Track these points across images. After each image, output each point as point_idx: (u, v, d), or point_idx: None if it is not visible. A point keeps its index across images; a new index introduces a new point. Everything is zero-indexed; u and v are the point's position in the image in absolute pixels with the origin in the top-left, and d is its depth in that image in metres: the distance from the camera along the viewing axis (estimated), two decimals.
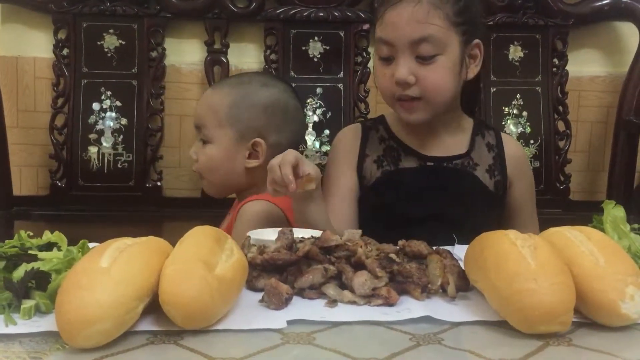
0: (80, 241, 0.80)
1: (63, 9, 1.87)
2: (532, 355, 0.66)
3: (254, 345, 0.67)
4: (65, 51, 1.89)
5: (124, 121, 1.90)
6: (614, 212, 0.87)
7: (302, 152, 1.90)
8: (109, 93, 1.90)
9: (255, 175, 1.36)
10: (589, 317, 0.74)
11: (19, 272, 0.73)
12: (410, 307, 0.78)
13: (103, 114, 1.90)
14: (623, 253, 0.78)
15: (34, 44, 1.93)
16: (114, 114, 1.90)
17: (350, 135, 1.35)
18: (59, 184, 1.88)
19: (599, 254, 0.75)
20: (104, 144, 1.89)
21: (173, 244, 0.77)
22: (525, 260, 0.72)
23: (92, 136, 1.89)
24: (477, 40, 1.24)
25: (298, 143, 1.49)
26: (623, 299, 0.71)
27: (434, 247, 0.89)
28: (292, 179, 1.04)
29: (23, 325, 0.69)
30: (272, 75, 1.61)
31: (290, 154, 1.08)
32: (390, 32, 1.18)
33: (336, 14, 1.92)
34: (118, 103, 1.90)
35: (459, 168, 1.28)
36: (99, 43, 1.90)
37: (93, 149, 1.89)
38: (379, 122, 1.36)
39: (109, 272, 0.66)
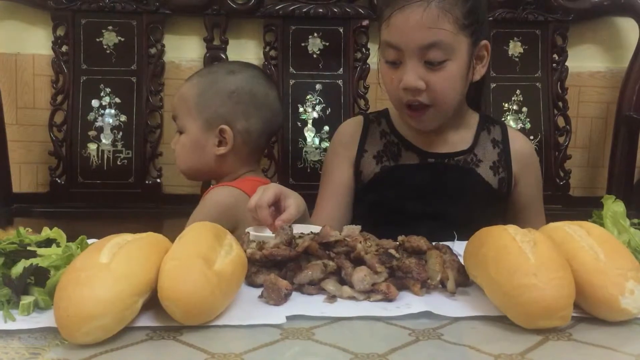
0: (79, 237, 0.80)
1: (62, 6, 1.87)
2: (532, 350, 0.66)
3: (253, 340, 0.67)
4: (64, 48, 1.88)
5: (123, 118, 1.90)
6: (614, 207, 0.87)
7: (300, 148, 1.90)
8: (108, 90, 1.90)
9: (228, 162, 1.38)
10: (589, 311, 0.74)
11: (18, 268, 0.73)
12: (409, 303, 0.78)
13: (102, 111, 1.89)
14: (623, 248, 0.78)
15: (33, 41, 1.92)
16: (113, 111, 1.90)
17: (350, 129, 1.34)
18: (59, 181, 1.88)
19: (599, 249, 0.75)
20: (104, 140, 1.89)
21: (172, 241, 0.77)
22: (525, 255, 0.72)
23: (92, 133, 1.88)
24: (484, 41, 1.21)
25: (272, 130, 1.46)
26: (623, 294, 0.71)
27: (434, 243, 0.89)
28: (270, 221, 1.03)
29: (22, 321, 0.69)
30: (243, 63, 1.58)
31: (269, 192, 1.05)
32: (397, 36, 1.15)
33: (335, 10, 1.91)
34: (117, 100, 1.90)
35: (460, 165, 1.26)
36: (97, 40, 1.89)
37: (92, 146, 1.88)
38: (382, 115, 1.34)
39: (108, 268, 0.66)
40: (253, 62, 1.94)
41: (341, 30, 1.94)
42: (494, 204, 1.28)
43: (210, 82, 1.38)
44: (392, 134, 1.29)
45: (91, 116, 1.89)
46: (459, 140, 1.28)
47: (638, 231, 0.87)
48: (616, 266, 0.73)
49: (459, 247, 0.91)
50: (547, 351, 0.66)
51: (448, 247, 0.89)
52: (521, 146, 1.32)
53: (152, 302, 0.71)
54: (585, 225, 0.80)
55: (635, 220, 0.89)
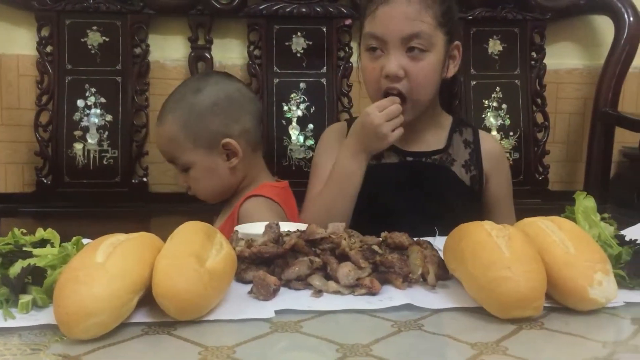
0: (74, 237, 0.82)
1: (46, 6, 1.87)
2: (507, 339, 0.70)
3: (244, 334, 0.70)
4: (48, 48, 1.89)
5: (109, 118, 1.91)
6: (585, 203, 0.91)
7: (285, 146, 1.93)
8: (93, 90, 1.90)
9: (241, 167, 1.39)
10: (560, 302, 0.78)
11: (15, 269, 0.75)
12: (392, 296, 0.81)
13: (88, 111, 1.90)
14: (592, 241, 0.82)
15: (17, 42, 1.92)
16: (98, 111, 1.91)
17: (337, 130, 1.40)
18: (45, 181, 1.88)
19: (570, 243, 0.78)
20: (89, 140, 1.90)
21: (160, 239, 0.80)
22: (500, 249, 0.76)
23: (77, 133, 1.89)
24: (457, 42, 1.30)
25: (259, 115, 1.47)
26: (591, 285, 0.75)
27: (415, 239, 0.93)
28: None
29: (21, 319, 0.71)
30: (198, 76, 1.62)
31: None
32: (382, 27, 1.22)
33: (318, 9, 1.94)
34: (103, 100, 1.91)
35: (437, 163, 1.33)
36: (82, 40, 1.89)
37: (78, 146, 1.89)
38: None
39: (104, 267, 0.69)
40: (237, 62, 1.98)
41: (324, 29, 1.96)
42: (468, 200, 1.35)
43: (187, 110, 1.36)
44: None
45: (77, 116, 1.90)
46: (434, 140, 1.35)
47: (608, 225, 0.91)
48: (585, 259, 0.77)
49: (439, 242, 0.94)
50: (521, 339, 0.70)
51: (429, 242, 0.92)
52: (491, 147, 1.40)
53: (147, 299, 0.73)
54: (557, 220, 0.84)
55: (605, 215, 0.93)
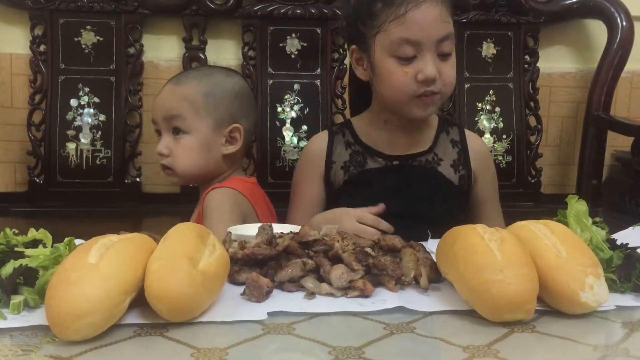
0: (67, 238, 0.82)
1: (39, 5, 1.86)
2: (499, 342, 0.70)
3: (236, 335, 0.70)
4: (42, 47, 1.88)
5: (102, 117, 1.90)
6: (577, 207, 0.92)
7: (278, 147, 1.93)
8: (86, 89, 1.90)
9: (228, 161, 1.40)
10: (551, 305, 0.78)
11: (7, 269, 0.75)
12: (384, 298, 0.81)
13: (81, 110, 1.90)
14: (584, 245, 0.82)
15: (11, 40, 1.91)
16: (92, 110, 1.90)
17: (317, 145, 1.40)
18: (37, 181, 1.88)
19: (561, 246, 0.79)
20: (82, 140, 1.89)
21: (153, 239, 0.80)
22: (492, 252, 0.76)
23: (70, 132, 1.88)
24: None
25: (255, 128, 1.55)
26: (583, 289, 0.76)
27: (408, 241, 0.93)
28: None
29: (13, 320, 0.71)
30: (222, 67, 1.69)
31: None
32: (417, 31, 1.22)
33: (313, 11, 1.94)
34: (96, 99, 1.90)
35: (423, 164, 1.33)
36: (76, 39, 1.89)
37: (71, 145, 1.88)
38: (345, 126, 1.41)
39: (97, 268, 0.69)
40: (232, 62, 1.97)
41: (319, 30, 1.97)
42: (457, 200, 1.36)
43: (215, 83, 1.39)
44: (356, 143, 1.36)
45: (70, 115, 1.89)
46: (421, 141, 1.36)
47: (599, 229, 0.92)
48: (577, 263, 0.77)
49: (432, 244, 0.95)
50: (513, 342, 0.70)
51: (421, 245, 0.92)
52: (478, 146, 1.41)
53: (139, 300, 0.73)
54: (549, 224, 0.85)
55: (597, 219, 0.94)
